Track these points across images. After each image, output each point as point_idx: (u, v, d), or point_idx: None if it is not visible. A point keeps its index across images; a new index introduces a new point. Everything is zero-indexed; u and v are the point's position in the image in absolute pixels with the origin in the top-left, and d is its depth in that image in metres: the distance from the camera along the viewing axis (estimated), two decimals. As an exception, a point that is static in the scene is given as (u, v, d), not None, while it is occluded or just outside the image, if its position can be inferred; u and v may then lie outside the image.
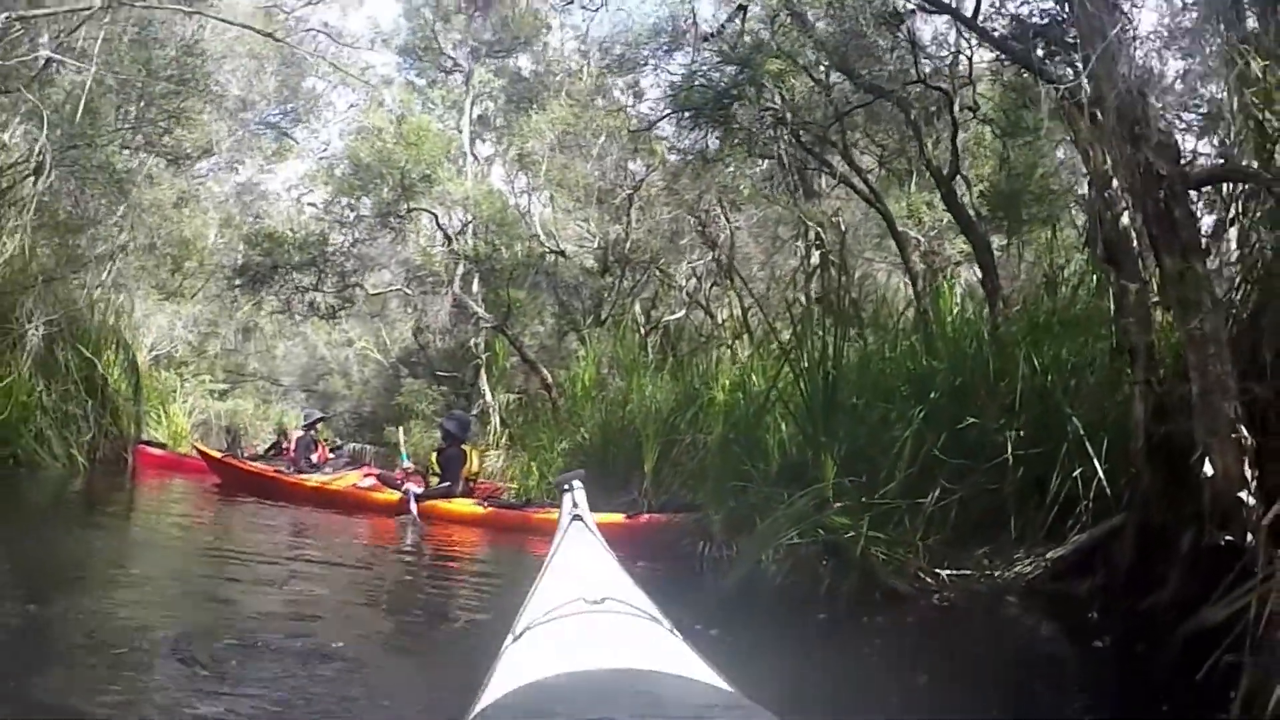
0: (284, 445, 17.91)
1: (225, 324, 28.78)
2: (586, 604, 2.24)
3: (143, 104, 12.93)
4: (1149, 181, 4.65)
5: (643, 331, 18.22)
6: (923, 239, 13.14)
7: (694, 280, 19.51)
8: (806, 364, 7.75)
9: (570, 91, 18.65)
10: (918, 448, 6.44)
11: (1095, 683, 4.76)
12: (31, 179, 10.69)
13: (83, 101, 10.49)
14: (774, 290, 18.27)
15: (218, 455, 15.19)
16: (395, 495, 11.83)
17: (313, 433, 15.35)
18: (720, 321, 18.51)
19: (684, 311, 19.48)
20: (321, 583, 6.94)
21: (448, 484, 11.81)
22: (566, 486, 3.78)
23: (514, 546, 9.72)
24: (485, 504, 11.58)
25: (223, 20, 12.55)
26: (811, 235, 15.69)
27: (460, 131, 24.23)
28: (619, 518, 9.78)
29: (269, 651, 4.29)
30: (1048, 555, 5.75)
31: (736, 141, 10.43)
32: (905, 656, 5.28)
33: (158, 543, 8.69)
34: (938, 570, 5.97)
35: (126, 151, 13.16)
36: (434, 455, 12.49)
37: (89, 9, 9.17)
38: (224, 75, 17.39)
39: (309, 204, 24.53)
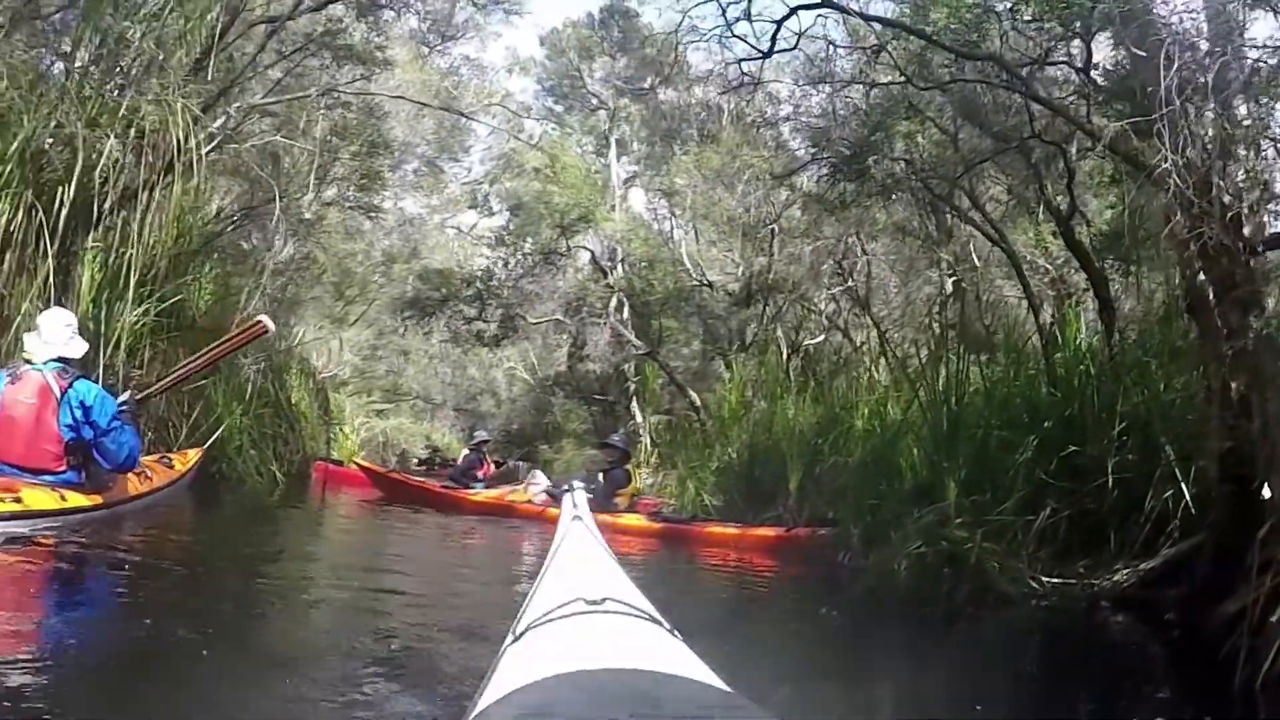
0: (438, 461, 19.35)
1: (384, 348, 30.65)
2: (586, 605, 2.26)
3: (335, 162, 14.42)
4: (1215, 248, 5.59)
5: (785, 355, 19.23)
6: (1050, 268, 13.75)
7: (834, 304, 20.29)
8: (934, 393, 8.77)
9: (714, 133, 19.59)
10: (1031, 470, 7.39)
11: (1173, 676, 5.70)
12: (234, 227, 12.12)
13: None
14: (909, 316, 19.06)
15: (381, 470, 16.67)
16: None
17: (480, 452, 16.70)
18: (858, 345, 19.27)
19: (824, 336, 20.29)
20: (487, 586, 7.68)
21: (614, 498, 12.95)
22: (567, 487, 3.96)
23: (682, 556, 10.76)
24: (655, 519, 12.63)
25: (416, 102, 14.01)
26: (944, 265, 16.44)
27: (607, 165, 25.59)
28: (772, 532, 10.96)
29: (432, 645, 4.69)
30: (1140, 567, 6.64)
31: (872, 192, 11.37)
32: (1013, 650, 6.24)
33: (339, 544, 9.94)
34: (1044, 578, 6.93)
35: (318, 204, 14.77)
36: (601, 475, 13.57)
37: (309, 94, 10.74)
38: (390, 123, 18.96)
39: (477, 238, 26.12)
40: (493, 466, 17.04)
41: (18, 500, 5.39)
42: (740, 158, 17.96)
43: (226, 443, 11.39)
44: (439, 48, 19.78)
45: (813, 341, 20.29)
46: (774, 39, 8.46)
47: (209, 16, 8.50)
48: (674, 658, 1.98)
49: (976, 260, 15.93)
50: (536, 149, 22.27)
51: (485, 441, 17.88)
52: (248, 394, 12.75)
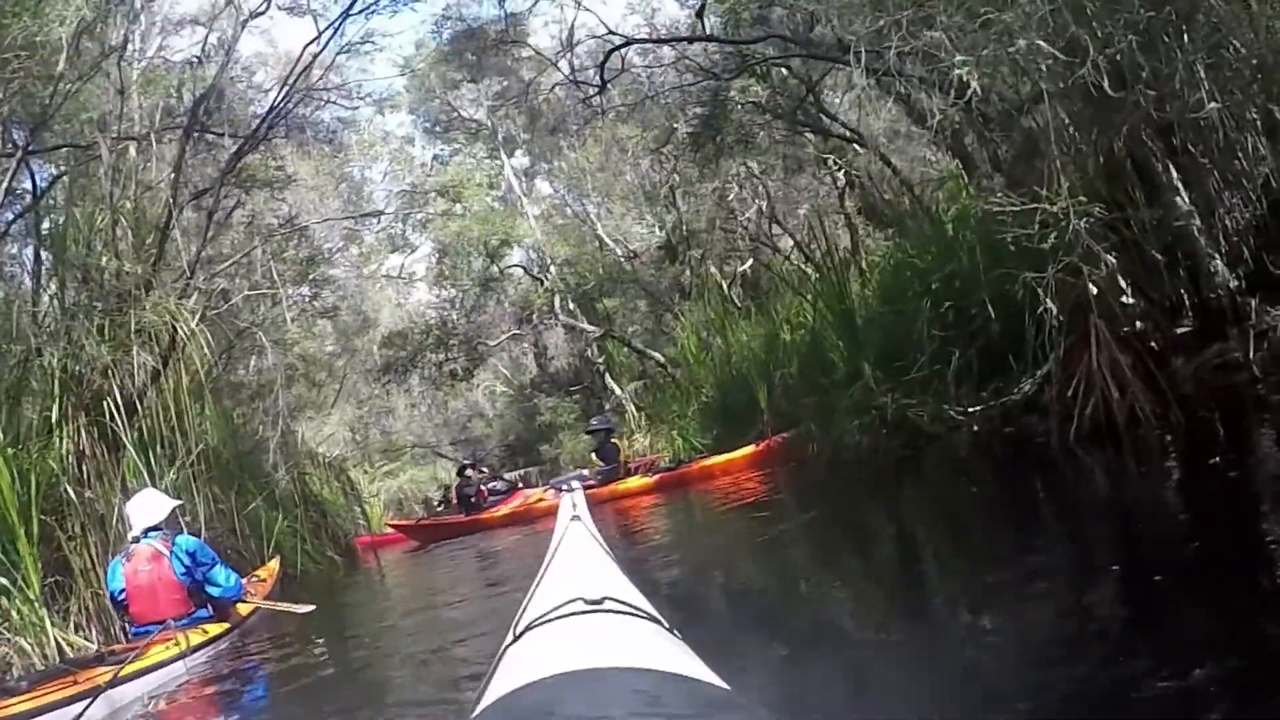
0: (450, 497, 20.96)
1: (368, 414, 32.10)
2: (586, 604, 2.27)
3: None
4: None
5: (726, 287, 20.80)
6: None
7: (752, 224, 21.70)
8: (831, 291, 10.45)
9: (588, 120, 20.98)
10: (926, 331, 8.97)
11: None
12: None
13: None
14: (823, 210, 20.53)
15: (410, 522, 18.27)
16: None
17: (466, 477, 18.26)
18: (787, 254, 20.67)
19: (751, 260, 21.79)
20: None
21: (612, 468, 14.60)
22: (566, 488, 3.92)
23: (680, 497, 12.44)
24: (651, 473, 14.27)
25: (341, 218, 15.55)
26: (831, 161, 17.76)
27: (502, 174, 27.05)
28: (750, 449, 12.67)
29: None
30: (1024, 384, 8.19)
31: (732, 143, 12.97)
32: (952, 470, 7.92)
33: (402, 595, 11.38)
34: (965, 409, 8.53)
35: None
36: (593, 454, 15.20)
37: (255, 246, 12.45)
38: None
39: (409, 276, 27.50)
40: (485, 491, 18.31)
41: (178, 644, 6.94)
42: (619, 137, 19.35)
43: (282, 545, 12.79)
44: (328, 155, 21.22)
45: (744, 267, 21.75)
46: (603, 77, 10.04)
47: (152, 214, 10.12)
48: (674, 657, 1.97)
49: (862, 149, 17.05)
50: (439, 193, 23.92)
51: (468, 466, 19.39)
52: (283, 503, 14.14)
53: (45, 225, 10.87)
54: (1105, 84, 5.48)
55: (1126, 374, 6.61)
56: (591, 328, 23.11)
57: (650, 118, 16.46)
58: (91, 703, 5.44)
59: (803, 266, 17.88)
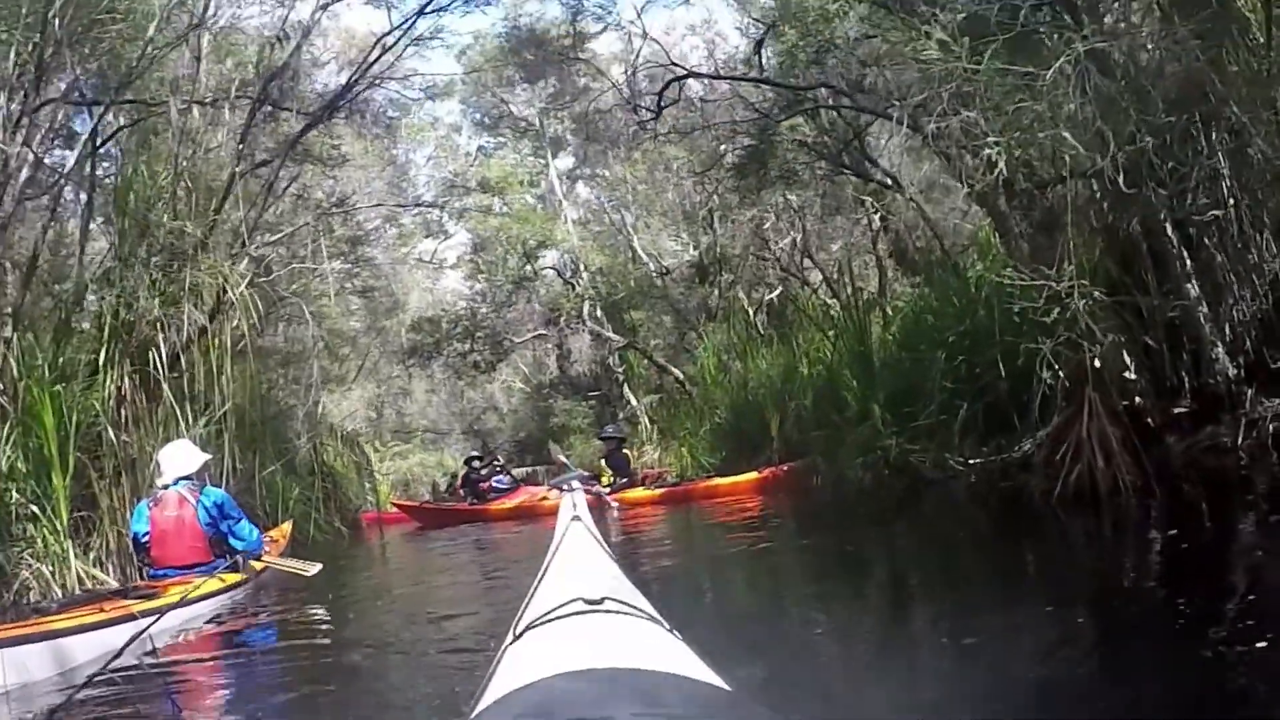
0: (456, 485, 21.48)
1: (385, 394, 32.60)
2: (586, 605, 2.27)
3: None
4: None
5: (751, 313, 21.20)
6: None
7: (785, 254, 22.12)
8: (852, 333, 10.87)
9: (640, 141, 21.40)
10: (938, 381, 9.36)
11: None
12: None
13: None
14: (854, 250, 20.95)
15: (415, 504, 18.74)
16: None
17: (474, 468, 18.74)
18: (815, 287, 21.04)
19: (780, 288, 22.13)
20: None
21: (627, 479, 15.02)
22: (566, 488, 3.85)
23: (684, 512, 12.87)
24: (655, 486, 14.69)
25: (393, 206, 16.09)
26: (869, 203, 18.12)
27: (547, 175, 27.54)
28: (757, 475, 13.07)
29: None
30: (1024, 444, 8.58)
31: (774, 179, 13.41)
32: (932, 516, 8.31)
33: (405, 570, 11.82)
34: (966, 460, 8.91)
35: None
36: (604, 460, 15.60)
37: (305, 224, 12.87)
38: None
39: (440, 263, 28.05)
40: (492, 481, 18.72)
41: (197, 589, 7.36)
42: (665, 156, 19.78)
43: (293, 511, 13.21)
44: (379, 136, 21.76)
45: (772, 295, 22.09)
46: (659, 105, 10.51)
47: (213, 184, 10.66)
48: (674, 657, 1.97)
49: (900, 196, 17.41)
50: (480, 186, 24.45)
51: (477, 458, 19.89)
52: (299, 470, 14.61)
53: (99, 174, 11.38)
54: (1122, 180, 5.85)
55: (1114, 445, 6.98)
56: (616, 337, 23.61)
57: (698, 142, 16.86)
58: (144, 631, 5.85)
59: (829, 302, 18.35)
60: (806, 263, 21.14)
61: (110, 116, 11.14)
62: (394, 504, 19.88)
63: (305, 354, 15.69)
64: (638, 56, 12.88)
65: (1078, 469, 7.04)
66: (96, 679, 4.82)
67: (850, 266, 17.19)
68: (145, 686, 5.25)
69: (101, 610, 6.19)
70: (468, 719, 1.73)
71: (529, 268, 22.95)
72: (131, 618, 6.06)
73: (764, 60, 12.80)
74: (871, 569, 6.87)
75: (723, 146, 13.69)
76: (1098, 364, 7.13)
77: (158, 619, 6.18)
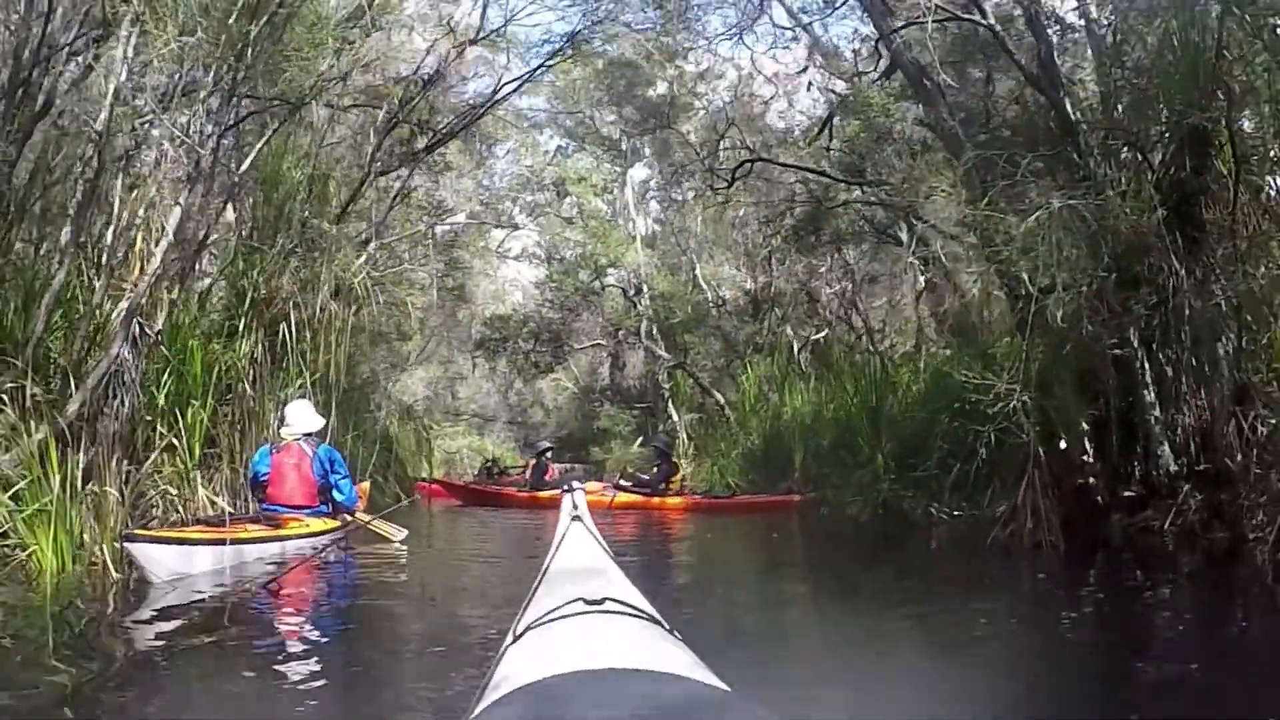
0: (497, 470, 23.24)
1: (444, 377, 34.45)
2: (586, 605, 2.28)
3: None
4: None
5: (796, 350, 22.79)
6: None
7: (836, 300, 23.72)
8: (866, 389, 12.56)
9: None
10: (936, 441, 10.98)
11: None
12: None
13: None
14: (895, 310, 22.61)
15: (461, 483, 20.30)
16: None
17: (545, 459, 20.45)
18: (859, 334, 22.54)
19: (827, 330, 23.72)
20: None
21: (649, 488, 16.69)
22: (567, 488, 4.03)
23: (706, 521, 14.53)
24: (690, 497, 16.49)
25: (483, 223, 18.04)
26: (917, 264, 19.65)
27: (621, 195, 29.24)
28: (776, 498, 14.80)
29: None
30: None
31: (826, 242, 15.15)
32: (922, 554, 9.91)
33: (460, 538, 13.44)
34: (949, 511, 10.53)
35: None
36: (655, 469, 17.25)
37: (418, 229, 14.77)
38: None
39: (504, 253, 29.79)
40: (556, 470, 20.52)
41: (305, 526, 9.13)
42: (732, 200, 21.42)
43: (367, 474, 14.87)
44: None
45: (818, 336, 23.64)
46: (732, 179, 12.28)
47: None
48: (674, 658, 2.00)
49: (945, 261, 18.99)
50: (555, 186, 26.23)
51: (550, 449, 21.61)
52: (369, 438, 16.30)
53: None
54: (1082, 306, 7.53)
55: (1043, 514, 8.68)
56: (667, 356, 25.42)
57: (765, 193, 18.49)
58: (332, 545, 7.72)
59: (870, 349, 19.96)
60: (852, 311, 22.72)
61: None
62: (439, 481, 21.42)
63: (387, 335, 17.46)
64: (721, 139, 14.68)
65: (1010, 529, 8.74)
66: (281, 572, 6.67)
67: (887, 322, 18.79)
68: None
69: (246, 529, 8.08)
70: (467, 719, 1.77)
71: (597, 282, 24.90)
72: (279, 539, 7.98)
73: (833, 129, 14.51)
74: (845, 587, 8.51)
75: (786, 206, 15.45)
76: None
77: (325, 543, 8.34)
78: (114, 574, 6.92)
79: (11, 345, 7.61)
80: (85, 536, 7.01)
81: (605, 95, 26.98)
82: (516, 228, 30.64)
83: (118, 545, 7.00)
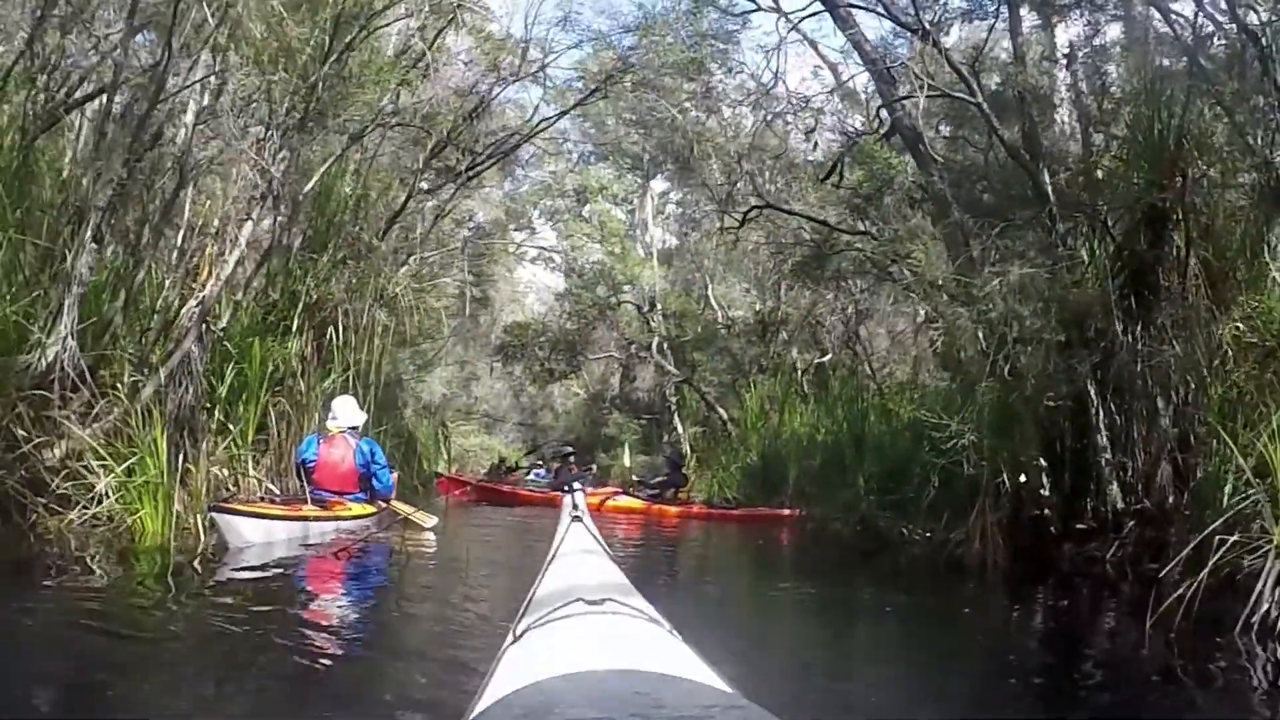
0: (505, 469, 24.43)
1: (459, 377, 35.70)
2: (586, 605, 2.28)
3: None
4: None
5: (800, 372, 23.94)
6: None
7: (839, 327, 24.83)
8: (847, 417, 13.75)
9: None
10: (913, 468, 12.12)
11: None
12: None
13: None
14: (896, 341, 23.72)
15: (473, 480, 21.22)
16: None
17: (567, 461, 21.70)
18: (862, 361, 23.60)
19: (830, 355, 24.78)
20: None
21: (657, 492, 17.94)
22: (568, 488, 4.03)
23: (702, 528, 15.76)
24: (691, 506, 17.76)
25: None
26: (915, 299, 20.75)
27: (645, 219, 30.52)
28: (769, 512, 15.98)
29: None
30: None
31: (826, 280, 16.39)
32: (886, 569, 11.06)
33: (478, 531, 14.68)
34: (921, 531, 11.64)
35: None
36: (665, 476, 18.56)
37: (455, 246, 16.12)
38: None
39: (520, 255, 30.97)
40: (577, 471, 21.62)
41: (349, 509, 10.35)
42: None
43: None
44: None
45: (822, 359, 24.73)
46: (743, 221, 13.50)
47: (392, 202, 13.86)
48: (674, 658, 2.00)
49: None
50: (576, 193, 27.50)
51: (574, 453, 22.83)
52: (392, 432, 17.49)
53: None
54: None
55: (993, 539, 9.88)
56: (676, 371, 26.73)
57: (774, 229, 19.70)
58: (374, 528, 9.49)
59: (869, 377, 21.10)
60: (855, 339, 23.84)
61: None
62: (457, 478, 22.41)
63: (416, 339, 18.67)
64: (734, 187, 16.07)
65: (961, 551, 9.97)
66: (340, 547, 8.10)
67: (890, 353, 19.95)
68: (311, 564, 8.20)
69: (302, 509, 9.32)
70: (467, 719, 1.78)
71: (614, 298, 26.32)
72: (332, 519, 9.26)
73: (844, 170, 15.70)
74: (819, 594, 9.68)
75: (792, 242, 16.72)
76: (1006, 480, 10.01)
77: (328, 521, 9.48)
78: (202, 538, 8.17)
79: (112, 341, 8.76)
80: (179, 507, 8.21)
81: (631, 114, 28.09)
82: (534, 231, 31.91)
83: (203, 515, 8.26)
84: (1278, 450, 6.86)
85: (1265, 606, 6.23)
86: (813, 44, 18.98)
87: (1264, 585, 6.29)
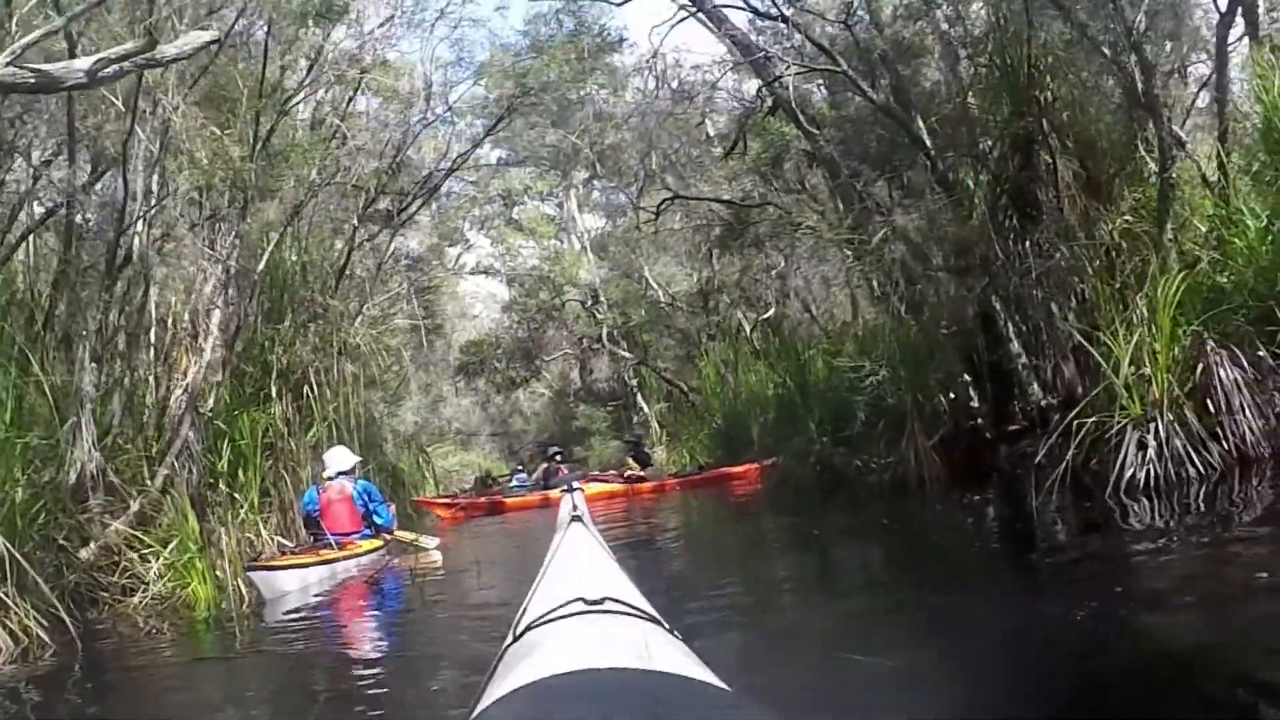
0: (490, 481, 25.17)
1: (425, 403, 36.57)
2: (586, 605, 2.29)
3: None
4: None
5: (747, 330, 24.97)
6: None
7: (776, 283, 25.88)
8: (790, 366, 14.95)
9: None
10: (858, 406, 13.24)
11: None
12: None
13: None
14: (833, 290, 24.74)
15: (451, 499, 21.82)
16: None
17: (555, 461, 22.55)
18: (813, 314, 24.64)
19: (771, 310, 25.44)
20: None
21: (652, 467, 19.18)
22: (567, 488, 4.06)
23: (688, 492, 17.00)
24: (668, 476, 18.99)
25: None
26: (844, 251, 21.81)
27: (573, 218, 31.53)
28: (740, 468, 17.12)
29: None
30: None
31: (747, 245, 17.54)
32: (853, 500, 12.20)
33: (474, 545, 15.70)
34: (871, 461, 12.75)
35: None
36: (630, 458, 19.71)
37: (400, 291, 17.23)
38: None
39: (460, 268, 31.93)
40: (565, 471, 22.41)
41: (360, 546, 11.34)
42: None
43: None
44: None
45: (766, 315, 25.61)
46: (657, 214, 14.57)
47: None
48: (674, 658, 2.00)
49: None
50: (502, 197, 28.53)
51: (560, 452, 23.65)
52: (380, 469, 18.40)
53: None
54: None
55: (927, 453, 11.06)
56: (629, 355, 27.83)
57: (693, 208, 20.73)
58: (385, 559, 10.69)
59: (812, 322, 22.21)
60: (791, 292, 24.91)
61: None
62: (445, 500, 22.91)
63: (382, 379, 19.61)
64: (641, 192, 17.27)
65: (902, 472, 11.24)
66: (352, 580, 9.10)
67: (828, 296, 21.12)
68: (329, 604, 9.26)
69: (318, 554, 10.32)
70: (468, 719, 1.81)
71: (557, 300, 27.43)
72: (349, 556, 10.30)
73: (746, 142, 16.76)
74: (783, 532, 10.83)
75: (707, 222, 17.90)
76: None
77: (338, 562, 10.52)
78: (245, 595, 9.24)
79: (114, 442, 9.72)
80: (218, 573, 9.25)
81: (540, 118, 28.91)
82: (469, 243, 32.74)
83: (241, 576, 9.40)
84: (1120, 337, 8.05)
85: (1130, 471, 7.46)
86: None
87: (1124, 454, 7.53)
